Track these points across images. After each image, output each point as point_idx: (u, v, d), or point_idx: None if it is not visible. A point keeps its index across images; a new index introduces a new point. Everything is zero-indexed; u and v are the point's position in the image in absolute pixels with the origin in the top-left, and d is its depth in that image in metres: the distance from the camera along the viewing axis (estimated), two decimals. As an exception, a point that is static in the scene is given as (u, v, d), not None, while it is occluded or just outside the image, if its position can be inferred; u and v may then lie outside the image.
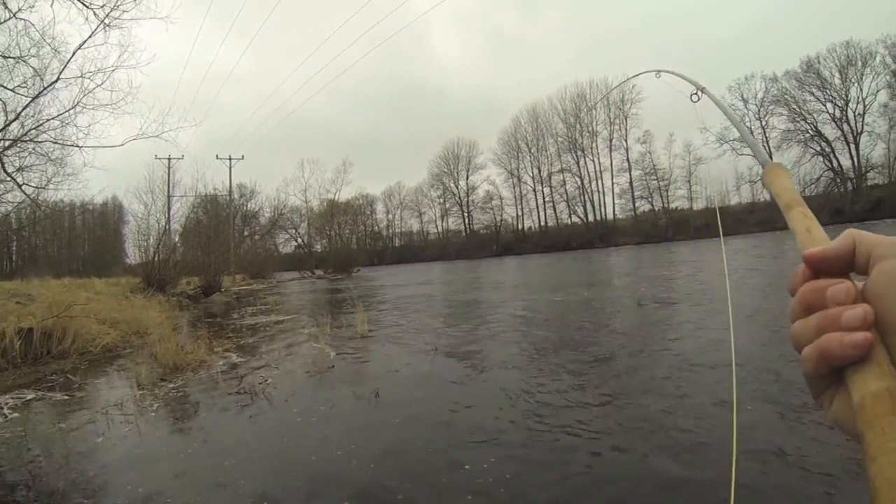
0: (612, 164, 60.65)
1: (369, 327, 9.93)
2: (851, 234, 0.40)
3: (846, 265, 0.40)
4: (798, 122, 49.47)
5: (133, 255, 31.75)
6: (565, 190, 63.21)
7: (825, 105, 48.06)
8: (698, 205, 56.34)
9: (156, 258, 22.48)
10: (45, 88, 11.63)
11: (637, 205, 59.30)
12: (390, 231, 75.50)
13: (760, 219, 40.73)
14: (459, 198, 69.33)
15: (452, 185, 69.70)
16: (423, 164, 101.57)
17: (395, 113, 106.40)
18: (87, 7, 10.80)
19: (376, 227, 74.71)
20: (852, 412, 0.35)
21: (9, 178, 11.94)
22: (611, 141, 60.33)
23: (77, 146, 12.30)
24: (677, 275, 16.41)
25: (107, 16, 11.03)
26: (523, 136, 65.15)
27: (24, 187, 12.57)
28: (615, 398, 4.73)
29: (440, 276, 29.43)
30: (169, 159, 29.78)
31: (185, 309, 18.64)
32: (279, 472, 3.63)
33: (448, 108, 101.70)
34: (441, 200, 71.42)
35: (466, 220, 69.56)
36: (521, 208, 66.87)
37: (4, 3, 10.42)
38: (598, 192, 61.38)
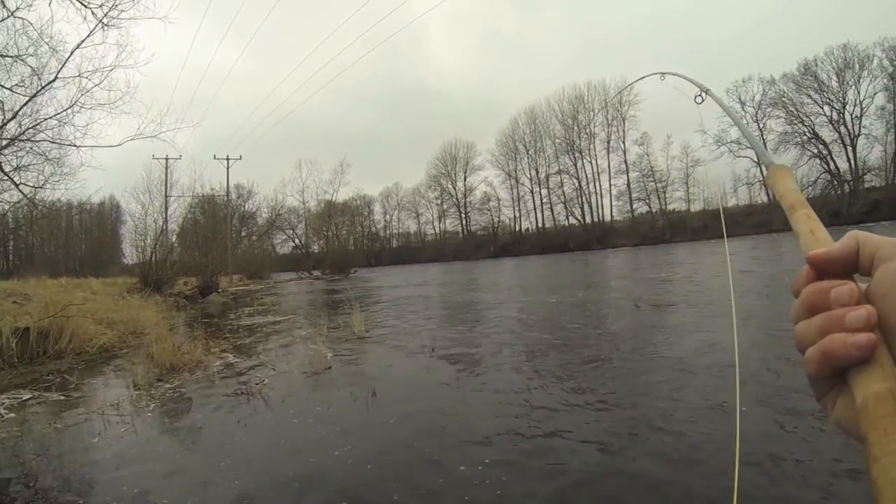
0: (609, 166, 60.90)
1: (366, 328, 9.94)
2: (855, 236, 0.40)
3: (850, 266, 0.40)
4: (795, 124, 49.68)
5: (130, 255, 31.82)
6: (563, 191, 63.43)
7: (822, 108, 48.30)
8: (696, 207, 56.64)
9: (153, 258, 22.50)
10: (42, 87, 11.64)
11: (634, 206, 59.57)
12: (388, 232, 75.62)
13: (758, 221, 40.83)
14: (457, 199, 69.47)
15: (450, 186, 69.87)
16: (421, 165, 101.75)
17: (392, 114, 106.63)
18: (86, 6, 10.79)
19: (374, 228, 74.84)
20: (855, 413, 0.35)
21: (6, 178, 11.94)
22: (608, 143, 60.58)
23: (74, 146, 12.31)
24: (674, 277, 16.43)
25: (105, 15, 11.03)
26: (521, 137, 65.38)
27: (21, 186, 12.57)
28: (611, 400, 4.75)
29: (437, 278, 29.43)
30: (167, 159, 29.79)
31: (182, 309, 18.62)
32: (275, 472, 3.63)
33: (446, 109, 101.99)
34: (438, 201, 71.63)
35: (464, 222, 69.71)
36: (519, 210, 67.13)
37: (3, 2, 10.42)
38: (596, 193, 61.66)
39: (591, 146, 61.37)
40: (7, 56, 11.09)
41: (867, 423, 0.33)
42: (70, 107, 11.88)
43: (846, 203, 44.81)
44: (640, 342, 7.22)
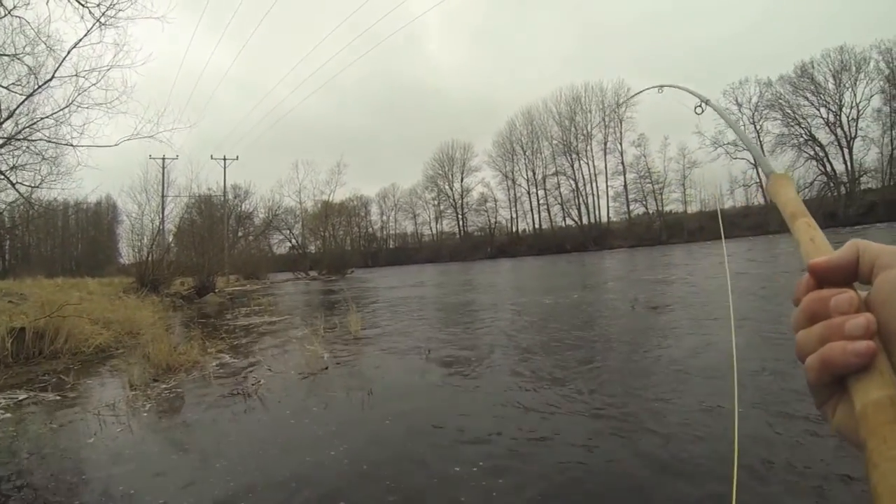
0: (606, 167, 61.01)
1: (362, 328, 9.94)
2: (855, 244, 0.40)
3: (850, 275, 0.40)
4: (792, 126, 49.84)
5: (127, 254, 31.70)
6: (559, 193, 63.50)
7: (819, 110, 48.49)
8: (692, 208, 56.81)
9: (149, 258, 22.44)
10: (39, 86, 11.64)
11: (631, 208, 59.70)
12: (384, 233, 75.62)
13: (754, 222, 41.01)
14: (454, 200, 69.50)
15: (447, 187, 69.91)
16: (418, 165, 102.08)
17: (389, 115, 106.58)
18: (83, 5, 10.79)
19: (370, 229, 74.81)
20: (855, 421, 0.35)
21: (2, 177, 11.93)
22: (605, 144, 60.70)
23: (71, 145, 12.32)
24: (671, 278, 16.47)
25: (102, 14, 11.03)
26: (518, 138, 65.47)
27: (17, 186, 12.57)
28: (606, 402, 4.76)
29: (434, 278, 29.43)
30: (163, 159, 29.66)
31: (179, 309, 18.59)
32: (271, 472, 3.63)
33: (443, 110, 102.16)
34: (435, 202, 71.65)
35: (461, 223, 69.76)
36: (516, 211, 67.19)
37: (0, 1, 10.39)
38: (593, 194, 61.78)
39: (588, 147, 61.53)
40: (4, 55, 11.09)
41: (866, 430, 0.33)
42: (67, 106, 11.91)
43: (843, 205, 45.00)
44: (636, 344, 7.24)
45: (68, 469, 4.03)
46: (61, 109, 11.91)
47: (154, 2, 16.60)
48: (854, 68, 46.30)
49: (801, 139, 49.40)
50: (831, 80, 47.36)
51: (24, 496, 3.55)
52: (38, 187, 13.50)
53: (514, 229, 67.09)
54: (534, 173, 65.20)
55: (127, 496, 3.40)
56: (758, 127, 51.80)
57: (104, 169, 14.00)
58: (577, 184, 61.88)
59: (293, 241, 66.26)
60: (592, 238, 56.40)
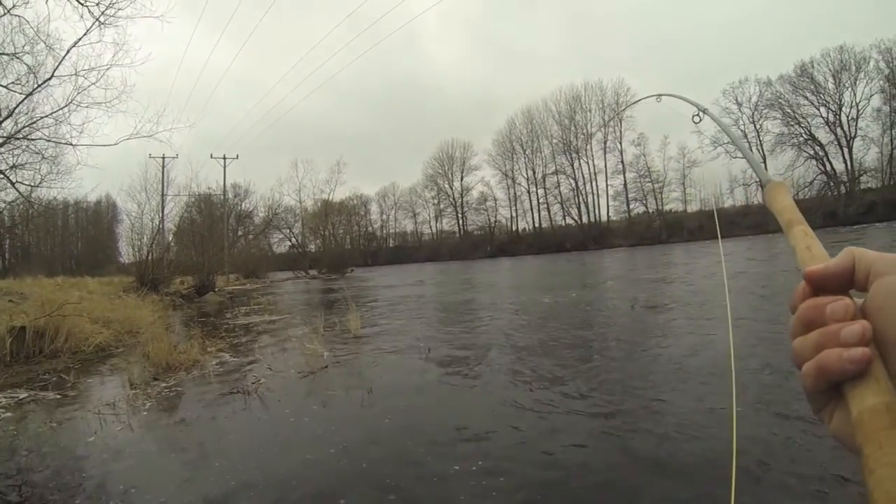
0: (606, 166, 60.94)
1: (362, 327, 9.96)
2: (851, 252, 0.41)
3: (846, 282, 0.40)
4: (792, 125, 49.82)
5: (126, 254, 31.64)
6: (559, 191, 63.45)
7: (819, 109, 48.45)
8: (692, 207, 56.78)
9: (149, 257, 22.46)
10: (39, 85, 11.65)
11: (631, 207, 59.63)
12: (384, 231, 75.60)
13: (754, 221, 40.92)
14: (454, 199, 69.46)
15: (447, 185, 69.87)
16: (418, 164, 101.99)
17: (389, 114, 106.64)
18: (83, 4, 10.78)
19: (370, 228, 74.78)
20: (852, 427, 0.35)
21: (2, 176, 11.94)
22: (605, 143, 60.62)
23: (71, 144, 12.32)
24: (670, 277, 16.49)
25: (102, 13, 11.01)
26: (518, 137, 65.40)
27: (17, 185, 12.58)
28: (603, 401, 4.78)
29: (433, 277, 29.43)
30: (163, 158, 29.67)
31: (179, 308, 18.62)
32: (270, 470, 3.65)
33: (443, 109, 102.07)
34: (435, 201, 71.60)
35: (460, 221, 69.71)
36: (516, 209, 67.14)
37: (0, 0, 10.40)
38: (593, 193, 61.72)
39: (588, 146, 61.43)
40: (3, 54, 11.09)
41: (863, 436, 0.34)
42: (66, 105, 11.91)
43: (842, 204, 45.01)
44: (634, 343, 7.27)
45: (68, 467, 4.05)
46: (61, 109, 11.92)
47: (153, 1, 16.59)
48: (854, 68, 46.34)
49: (801, 138, 49.42)
50: (831, 79, 47.38)
51: (24, 494, 3.57)
52: (37, 186, 13.54)
53: (513, 228, 67.09)
54: (534, 172, 65.24)
55: (127, 494, 3.42)
56: (757, 126, 51.86)
57: (104, 168, 14.00)
58: (576, 183, 61.92)
59: (293, 239, 66.36)
60: (592, 237, 56.40)
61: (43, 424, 5.22)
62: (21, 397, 6.33)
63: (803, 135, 49.25)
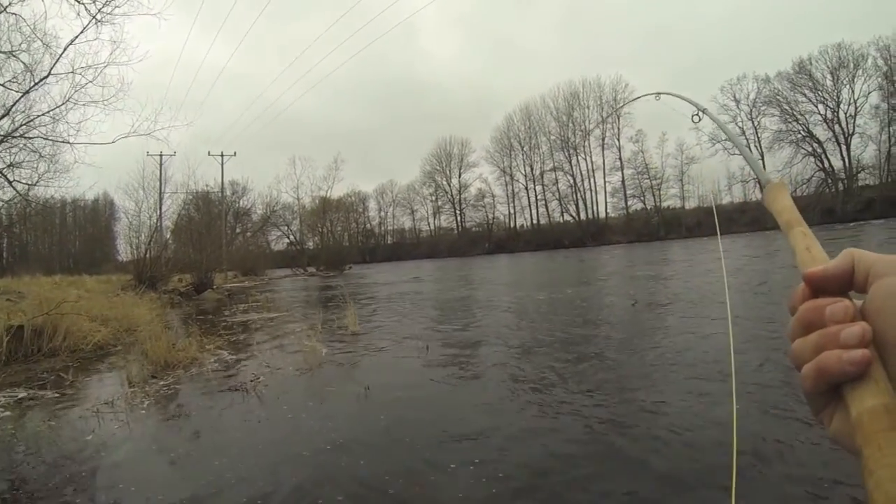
0: (604, 163, 61.10)
1: (360, 324, 9.97)
2: (850, 253, 0.41)
3: (845, 284, 0.40)
4: (790, 122, 49.97)
5: (124, 252, 31.57)
6: (557, 188, 63.57)
7: (817, 106, 48.62)
8: (690, 204, 56.90)
9: (147, 255, 22.42)
10: (35, 84, 11.60)
11: (629, 203, 59.78)
12: (382, 228, 75.71)
13: (751, 218, 40.98)
14: (452, 195, 69.55)
15: (445, 182, 69.93)
16: (416, 161, 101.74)
17: (387, 111, 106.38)
18: (79, 2, 10.77)
19: (368, 225, 74.89)
20: (851, 428, 0.35)
21: (-1, 175, 11.91)
22: (603, 140, 60.69)
23: (68, 142, 12.29)
24: (668, 274, 16.52)
25: (98, 11, 11.01)
26: (516, 134, 65.47)
27: (14, 183, 12.55)
28: (601, 399, 4.80)
29: (431, 274, 29.47)
30: (161, 156, 29.55)
31: (177, 306, 18.59)
32: (269, 468, 3.67)
33: (441, 105, 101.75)
34: (433, 198, 71.65)
35: (458, 218, 69.87)
36: (514, 206, 67.28)
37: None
38: (591, 190, 61.87)
39: (586, 143, 61.53)
40: (0, 52, 11.05)
41: (862, 437, 0.34)
42: (63, 103, 11.87)
43: (840, 201, 45.13)
44: (632, 340, 7.29)
45: (67, 466, 4.05)
46: (58, 107, 11.88)
47: (151, -2, 16.52)
48: (852, 65, 46.51)
49: (799, 135, 49.58)
50: (829, 76, 47.57)
51: (22, 493, 3.58)
52: (35, 185, 13.49)
53: (511, 225, 67.25)
54: (532, 169, 65.31)
55: (126, 492, 3.43)
56: (755, 123, 51.93)
57: (101, 166, 13.96)
58: (574, 179, 62.02)
59: (291, 237, 66.34)
60: (590, 234, 56.48)
61: (41, 423, 5.23)
62: (20, 396, 6.33)
63: (801, 132, 49.44)
